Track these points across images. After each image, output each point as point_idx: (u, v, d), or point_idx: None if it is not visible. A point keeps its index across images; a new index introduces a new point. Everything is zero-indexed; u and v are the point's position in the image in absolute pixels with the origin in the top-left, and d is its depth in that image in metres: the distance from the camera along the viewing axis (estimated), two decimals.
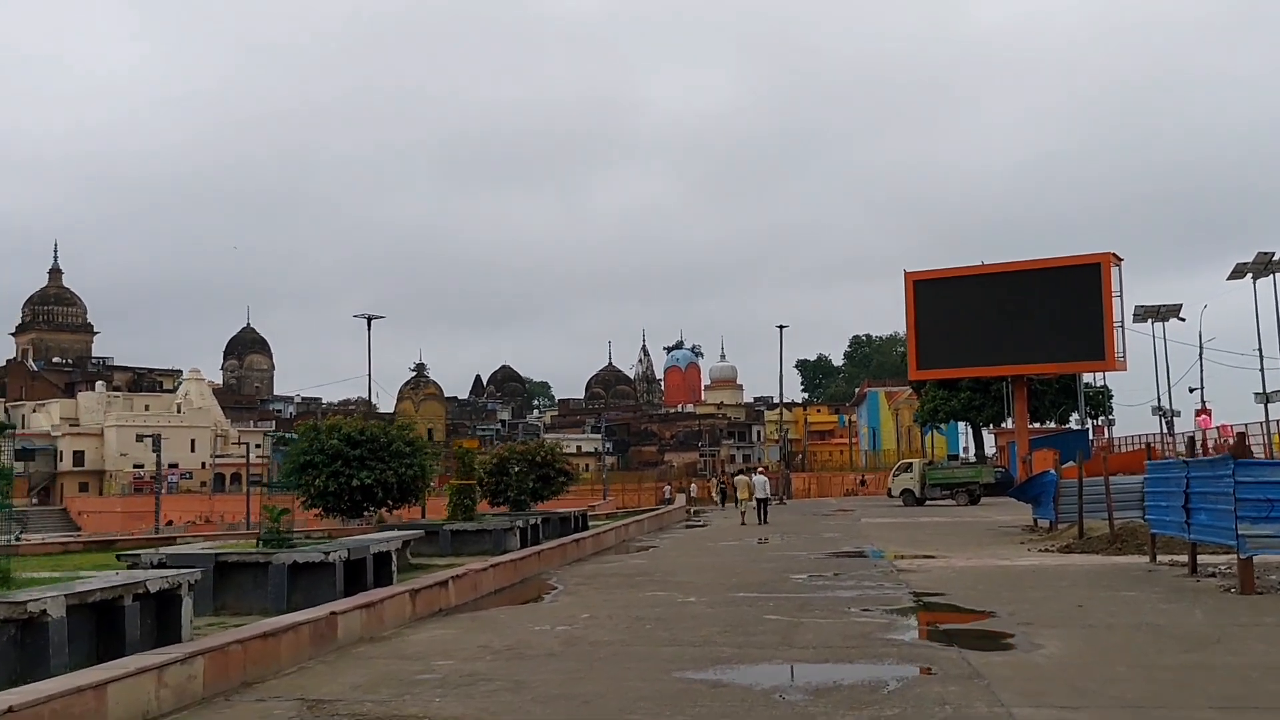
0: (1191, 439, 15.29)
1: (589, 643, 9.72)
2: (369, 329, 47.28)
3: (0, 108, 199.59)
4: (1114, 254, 48.87)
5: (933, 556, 18.76)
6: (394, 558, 12.79)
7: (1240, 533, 12.13)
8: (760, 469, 45.02)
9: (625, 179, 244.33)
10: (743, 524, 33.46)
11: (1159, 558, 16.15)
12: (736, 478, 39.47)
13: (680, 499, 47.81)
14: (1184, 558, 16.26)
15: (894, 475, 47.11)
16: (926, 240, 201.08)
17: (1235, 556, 14.40)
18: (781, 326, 67.71)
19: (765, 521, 33.39)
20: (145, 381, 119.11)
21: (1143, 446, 51.64)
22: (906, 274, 52.10)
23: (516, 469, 31.40)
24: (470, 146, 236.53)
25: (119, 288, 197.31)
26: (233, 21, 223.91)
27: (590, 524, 26.57)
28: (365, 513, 29.88)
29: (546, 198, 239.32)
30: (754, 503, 34.34)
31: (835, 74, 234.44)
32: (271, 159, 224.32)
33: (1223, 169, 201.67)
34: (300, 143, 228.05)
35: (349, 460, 26.83)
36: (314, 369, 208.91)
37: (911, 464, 47.56)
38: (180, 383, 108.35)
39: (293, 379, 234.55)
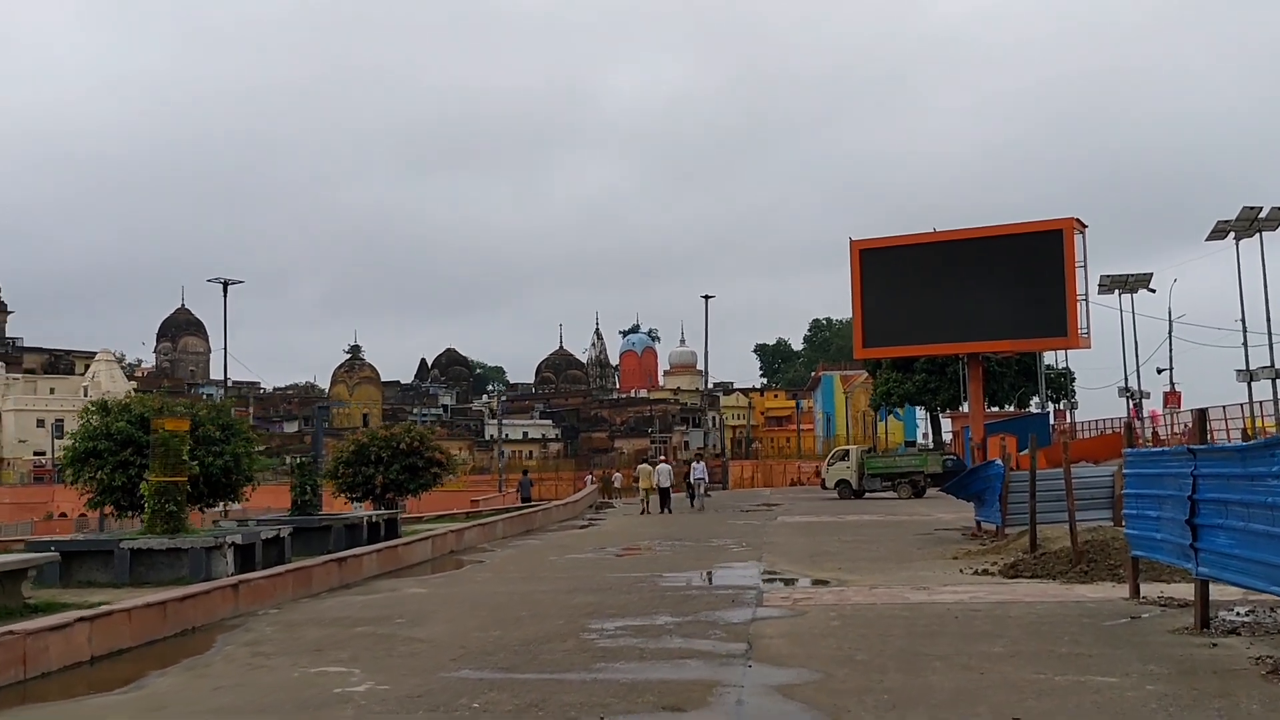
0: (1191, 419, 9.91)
1: None
2: (225, 295, 41.54)
3: None
4: (1077, 219, 43.79)
5: (827, 582, 13.49)
6: None
7: None
8: (661, 459, 40.26)
9: (584, 166, 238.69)
10: (644, 513, 31.71)
11: (1142, 588, 10.97)
12: (639, 467, 35.05)
13: (589, 490, 42.38)
14: (1177, 588, 11.13)
15: (829, 464, 41.70)
16: (885, 226, 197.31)
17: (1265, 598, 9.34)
18: (707, 297, 62.28)
19: (668, 511, 31.70)
20: (62, 364, 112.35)
21: (1116, 429, 46.86)
22: (853, 242, 46.81)
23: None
24: (429, 132, 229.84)
25: (71, 270, 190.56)
26: (189, 2, 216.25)
27: (423, 528, 21.07)
28: None
29: (505, 184, 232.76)
30: (656, 494, 32.17)
31: (793, 64, 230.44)
32: (226, 142, 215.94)
33: (1179, 157, 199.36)
34: (256, 126, 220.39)
35: (142, 448, 21.40)
36: (266, 354, 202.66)
37: (849, 451, 42.09)
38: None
39: (246, 363, 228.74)
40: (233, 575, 12.41)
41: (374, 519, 18.45)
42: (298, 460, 20.92)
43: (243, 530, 13.80)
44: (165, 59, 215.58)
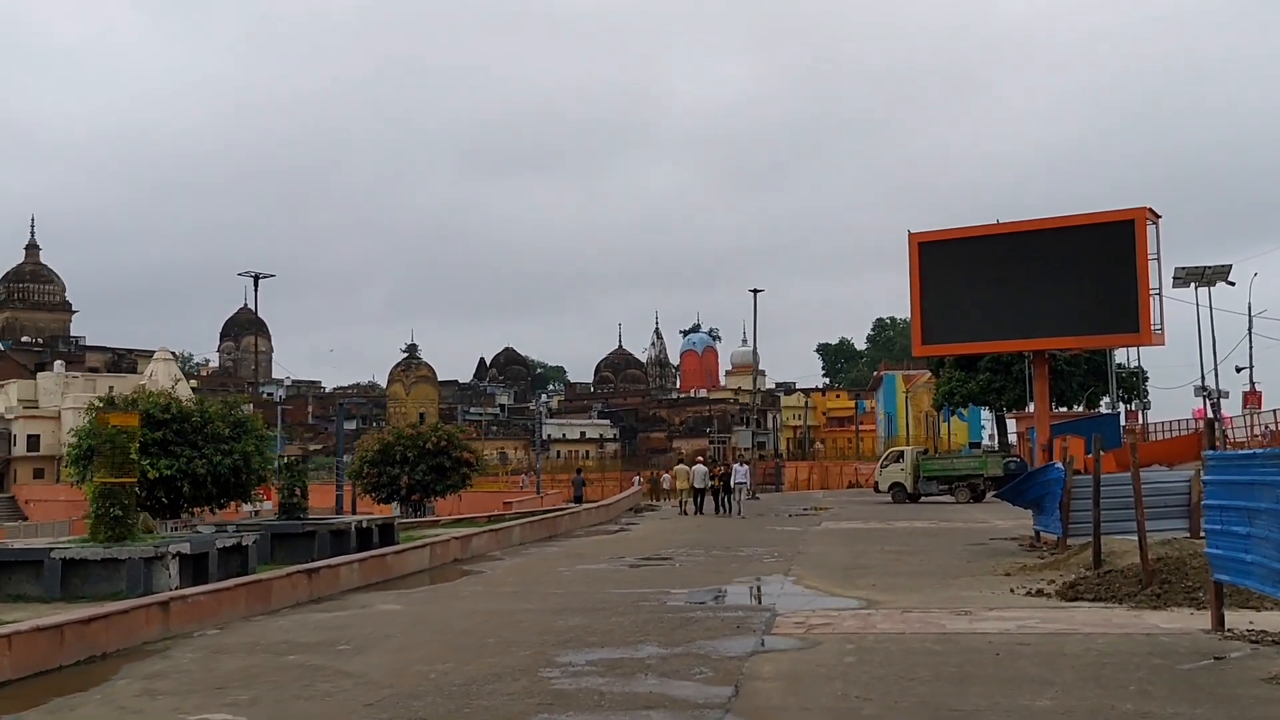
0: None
1: None
2: (255, 288, 40.56)
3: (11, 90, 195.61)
4: (1150, 209, 41.35)
5: (855, 603, 11.75)
6: None
7: None
8: (699, 459, 38.76)
9: (646, 166, 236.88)
10: (682, 513, 31.81)
11: (1226, 616, 9.12)
12: (676, 467, 33.64)
13: (630, 492, 40.80)
14: (1270, 617, 9.30)
15: (882, 466, 39.65)
16: (952, 224, 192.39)
17: None
18: (755, 291, 60.41)
19: (702, 512, 31.45)
20: (124, 362, 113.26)
21: (1194, 430, 44.23)
22: (910, 235, 44.69)
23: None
24: (491, 134, 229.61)
25: (142, 271, 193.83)
26: (256, 8, 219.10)
27: (431, 533, 19.58)
28: (184, 514, 23.31)
29: (567, 185, 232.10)
30: (692, 495, 31.93)
31: (853, 63, 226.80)
32: (291, 145, 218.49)
33: (1257, 150, 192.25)
34: (321, 129, 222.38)
35: (147, 446, 20.16)
36: (332, 353, 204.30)
37: (904, 453, 39.95)
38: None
39: (306, 363, 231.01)
40: (176, 589, 10.99)
41: (364, 524, 16.94)
42: (284, 460, 19.45)
43: (191, 538, 12.39)
44: (232, 64, 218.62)
